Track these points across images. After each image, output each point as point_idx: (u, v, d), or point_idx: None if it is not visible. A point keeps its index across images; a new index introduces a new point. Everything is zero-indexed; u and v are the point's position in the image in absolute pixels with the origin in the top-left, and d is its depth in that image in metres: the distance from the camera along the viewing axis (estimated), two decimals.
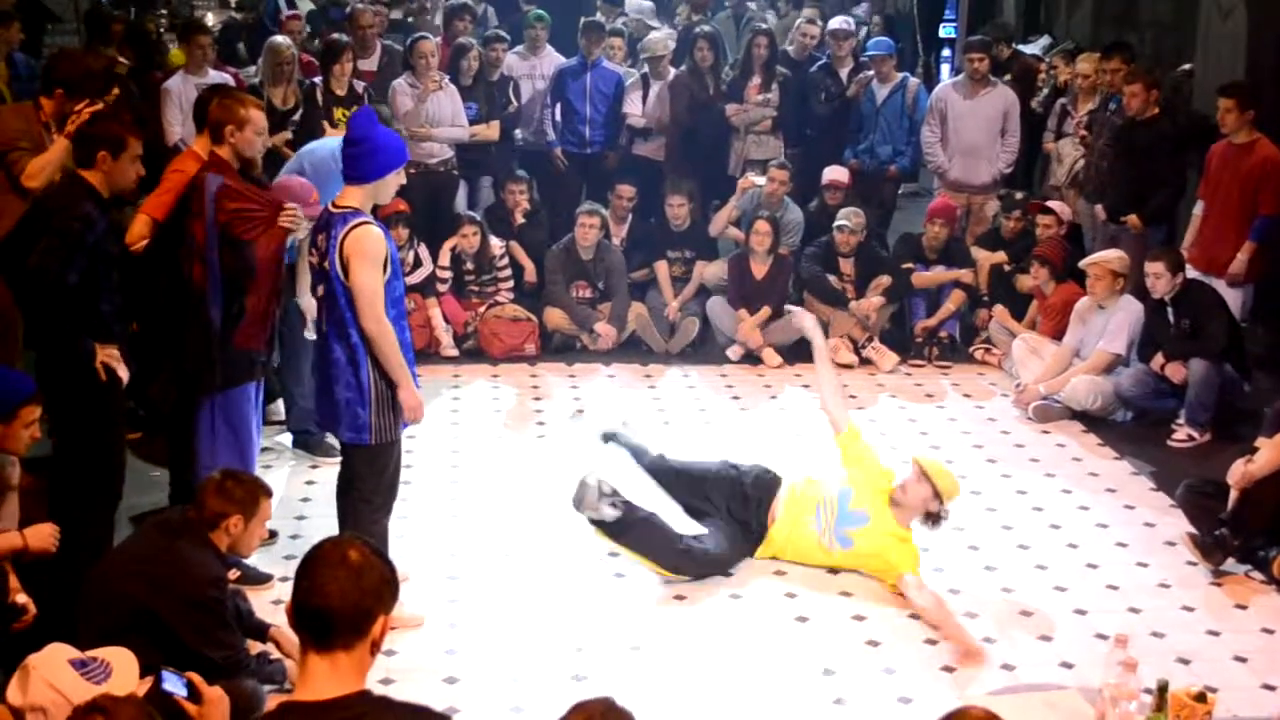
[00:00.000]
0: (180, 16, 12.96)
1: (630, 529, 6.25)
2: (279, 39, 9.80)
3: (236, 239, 6.01)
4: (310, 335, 6.60)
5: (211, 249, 5.96)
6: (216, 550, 4.95)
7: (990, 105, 10.53)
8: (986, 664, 5.69)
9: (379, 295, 5.39)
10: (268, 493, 5.15)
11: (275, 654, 5.25)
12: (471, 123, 10.31)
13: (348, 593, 2.83)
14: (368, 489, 5.70)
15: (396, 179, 5.60)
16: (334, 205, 5.52)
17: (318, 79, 9.77)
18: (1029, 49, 13.12)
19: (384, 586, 2.91)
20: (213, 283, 5.99)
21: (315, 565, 2.88)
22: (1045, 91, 11.41)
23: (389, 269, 5.46)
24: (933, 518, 6.30)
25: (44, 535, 5.16)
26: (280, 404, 7.81)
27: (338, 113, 9.56)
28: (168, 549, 4.83)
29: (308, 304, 6.56)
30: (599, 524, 6.25)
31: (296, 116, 9.48)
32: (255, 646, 5.22)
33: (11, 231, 5.89)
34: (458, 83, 10.32)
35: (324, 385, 5.63)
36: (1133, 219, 9.34)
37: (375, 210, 5.69)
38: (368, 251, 5.35)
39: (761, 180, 10.16)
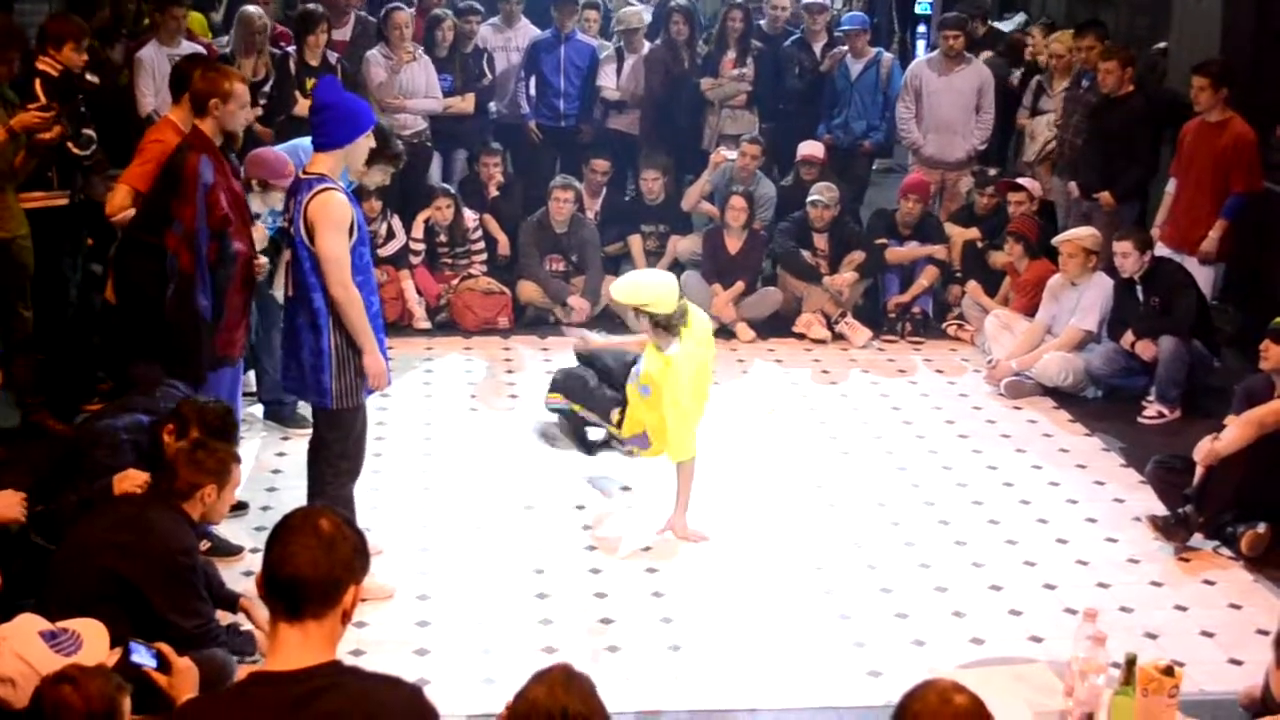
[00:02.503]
0: None
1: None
2: (251, 9, 9.71)
3: (224, 234, 6.00)
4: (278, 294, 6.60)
5: (202, 238, 5.93)
6: (188, 518, 4.93)
7: (965, 82, 10.53)
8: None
9: (345, 261, 5.39)
10: (237, 459, 5.15)
11: (246, 625, 5.23)
12: (447, 95, 10.27)
13: (319, 562, 2.83)
14: (333, 453, 5.71)
15: (366, 142, 5.58)
16: (303, 171, 5.53)
17: (290, 49, 9.70)
18: (1005, 26, 13.12)
19: (355, 556, 2.90)
20: (201, 272, 5.97)
21: (286, 535, 2.87)
22: (1020, 70, 11.40)
23: (355, 234, 5.45)
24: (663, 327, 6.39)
25: (12, 504, 5.11)
26: (251, 375, 7.77)
27: (310, 83, 9.49)
28: (138, 518, 4.81)
29: (281, 298, 6.52)
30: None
31: (268, 88, 9.41)
32: (226, 617, 5.21)
33: None
34: (433, 54, 10.28)
35: (290, 350, 5.65)
36: (1105, 196, 9.35)
37: (359, 190, 5.68)
38: (332, 217, 5.35)
39: (733, 154, 10.15)
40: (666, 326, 6.32)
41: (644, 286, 6.42)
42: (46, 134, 7.00)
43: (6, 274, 7.15)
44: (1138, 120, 9.31)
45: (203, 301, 6.01)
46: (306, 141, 7.39)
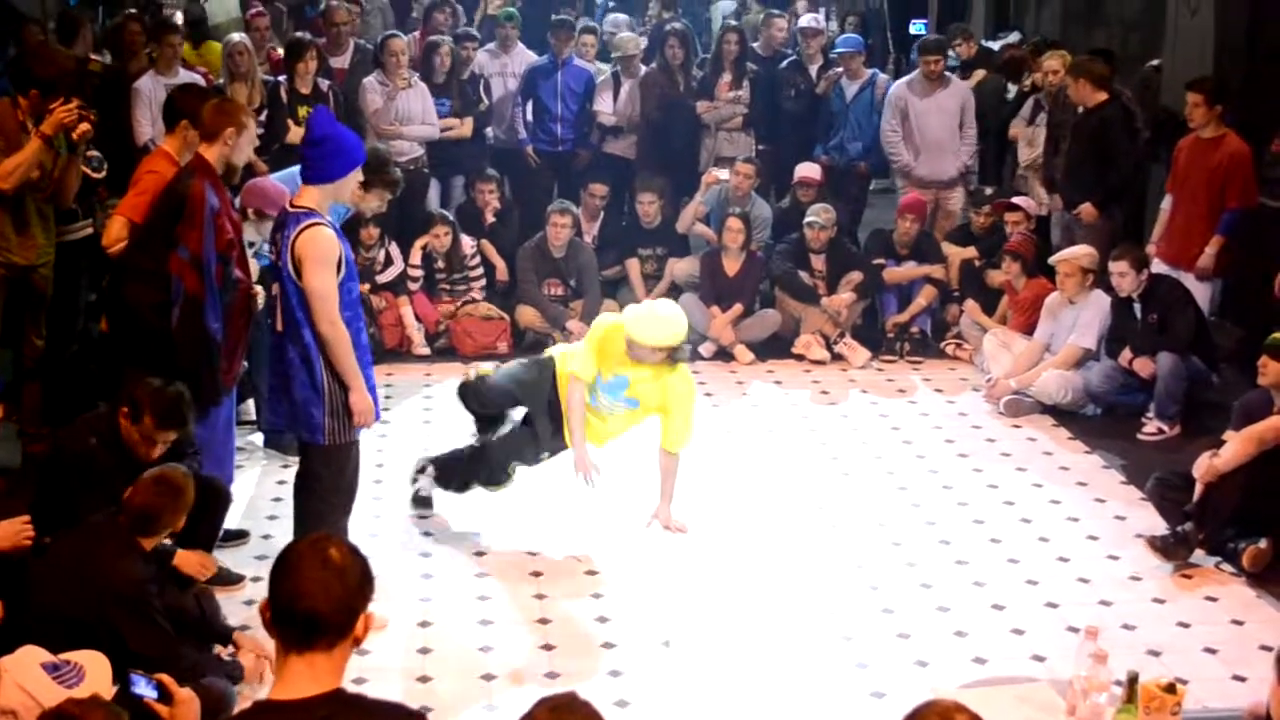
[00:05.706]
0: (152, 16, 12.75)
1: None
2: (233, 35, 9.75)
3: (229, 259, 5.98)
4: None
5: (210, 262, 5.89)
6: (142, 551, 4.89)
7: (950, 99, 10.54)
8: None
9: (332, 297, 5.37)
10: (191, 479, 5.12)
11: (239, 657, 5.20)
12: (444, 119, 10.29)
13: (335, 595, 2.81)
14: (325, 488, 5.69)
15: (356, 177, 5.59)
16: (291, 204, 5.50)
17: (283, 78, 9.74)
18: (996, 46, 13.14)
19: (366, 583, 2.89)
20: (210, 295, 5.91)
21: (297, 568, 2.84)
22: (1013, 92, 11.39)
23: (343, 269, 5.43)
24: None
25: (18, 532, 5.10)
26: (250, 404, 7.77)
27: (302, 111, 9.52)
28: (90, 555, 4.76)
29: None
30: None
31: (262, 116, 9.42)
32: (223, 652, 5.20)
33: None
34: (430, 80, 10.31)
35: (280, 384, 5.63)
36: (1086, 209, 9.27)
37: (357, 217, 5.68)
38: (320, 253, 5.33)
39: (725, 175, 10.18)
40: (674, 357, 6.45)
41: (679, 320, 6.39)
42: (78, 128, 6.82)
43: (24, 302, 7.16)
44: (1111, 127, 9.22)
45: (214, 324, 5.94)
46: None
